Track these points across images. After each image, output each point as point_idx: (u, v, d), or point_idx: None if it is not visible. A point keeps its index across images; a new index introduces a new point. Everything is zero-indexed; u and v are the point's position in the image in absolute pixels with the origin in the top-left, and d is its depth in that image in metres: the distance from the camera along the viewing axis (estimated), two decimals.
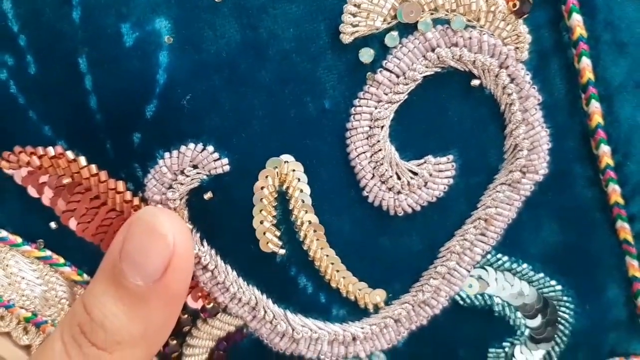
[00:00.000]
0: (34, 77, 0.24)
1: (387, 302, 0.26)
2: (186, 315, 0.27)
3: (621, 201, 0.25)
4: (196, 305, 0.26)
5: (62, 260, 0.27)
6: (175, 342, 0.27)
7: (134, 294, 0.23)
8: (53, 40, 0.24)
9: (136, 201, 0.25)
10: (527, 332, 0.27)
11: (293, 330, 0.26)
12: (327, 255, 0.25)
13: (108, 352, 0.23)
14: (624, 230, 0.25)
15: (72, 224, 0.26)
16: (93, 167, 0.25)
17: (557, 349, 0.27)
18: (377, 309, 0.26)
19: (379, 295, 0.26)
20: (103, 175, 0.25)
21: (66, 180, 0.25)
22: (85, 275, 0.27)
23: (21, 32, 0.24)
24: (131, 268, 0.23)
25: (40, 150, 0.25)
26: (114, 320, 0.23)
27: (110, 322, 0.23)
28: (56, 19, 0.23)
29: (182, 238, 0.23)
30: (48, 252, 0.27)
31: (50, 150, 0.25)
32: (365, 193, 0.25)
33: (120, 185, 0.25)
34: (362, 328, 0.26)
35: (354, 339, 0.26)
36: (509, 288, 0.26)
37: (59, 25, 0.23)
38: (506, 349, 0.27)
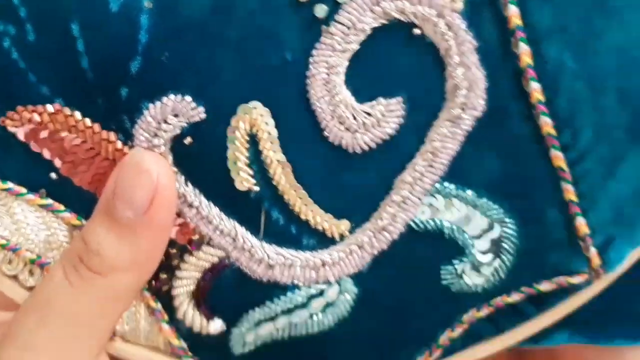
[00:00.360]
0: (33, 44, 0.28)
1: (351, 231, 0.29)
2: (175, 250, 0.30)
3: (553, 132, 0.28)
4: (184, 239, 0.30)
5: (62, 207, 0.30)
6: (165, 276, 0.30)
7: (124, 225, 0.27)
8: (49, 10, 0.27)
9: (126, 150, 0.29)
10: (474, 251, 0.30)
11: (269, 257, 0.29)
12: (295, 190, 0.29)
13: (102, 275, 0.27)
14: (558, 158, 0.28)
15: (70, 173, 0.29)
16: (87, 120, 0.29)
17: (503, 266, 0.29)
18: (342, 237, 0.29)
19: (344, 225, 0.29)
20: (96, 127, 0.29)
21: (64, 134, 0.29)
22: (83, 221, 0.30)
23: (21, 5, 0.28)
24: (122, 203, 0.27)
25: (40, 108, 0.29)
26: (108, 248, 0.27)
27: (104, 249, 0.27)
28: None
29: (165, 177, 0.27)
30: (50, 200, 0.30)
31: (49, 108, 0.29)
32: (325, 133, 0.28)
33: (112, 136, 0.29)
34: (330, 254, 0.29)
35: (323, 264, 0.29)
36: (456, 212, 0.29)
37: None
38: (456, 266, 0.30)
